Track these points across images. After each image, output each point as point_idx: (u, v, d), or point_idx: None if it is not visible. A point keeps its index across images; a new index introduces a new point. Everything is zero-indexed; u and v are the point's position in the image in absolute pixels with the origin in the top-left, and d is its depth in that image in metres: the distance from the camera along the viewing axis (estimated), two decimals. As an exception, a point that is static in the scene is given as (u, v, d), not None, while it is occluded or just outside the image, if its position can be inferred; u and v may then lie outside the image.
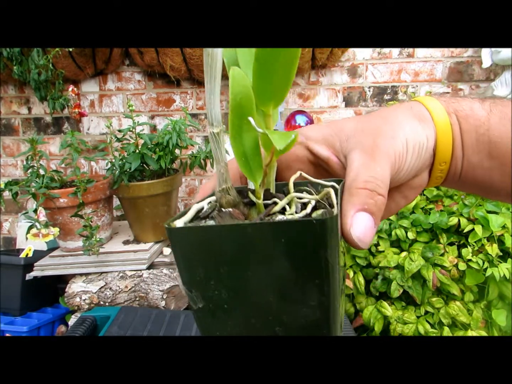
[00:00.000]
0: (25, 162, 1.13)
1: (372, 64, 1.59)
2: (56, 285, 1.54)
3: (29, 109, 1.71)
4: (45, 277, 1.22)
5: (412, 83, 1.59)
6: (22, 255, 1.46)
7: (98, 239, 1.16)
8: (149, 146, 1.18)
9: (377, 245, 1.29)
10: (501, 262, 1.13)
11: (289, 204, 0.25)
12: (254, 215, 0.26)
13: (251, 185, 0.28)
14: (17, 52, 1.31)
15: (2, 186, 1.11)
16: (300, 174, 0.28)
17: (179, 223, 0.23)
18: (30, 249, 1.47)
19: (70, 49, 1.39)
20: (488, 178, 0.29)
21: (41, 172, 1.14)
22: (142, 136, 1.17)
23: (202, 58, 0.23)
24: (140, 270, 1.19)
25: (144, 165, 1.20)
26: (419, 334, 1.15)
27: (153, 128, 1.63)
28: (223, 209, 0.25)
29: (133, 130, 1.17)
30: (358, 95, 1.62)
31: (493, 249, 1.13)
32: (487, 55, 1.44)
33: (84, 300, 1.15)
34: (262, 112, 0.26)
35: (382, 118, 0.29)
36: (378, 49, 1.57)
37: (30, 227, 1.13)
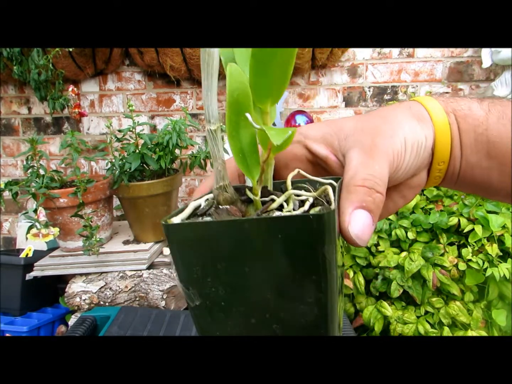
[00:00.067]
0: (25, 162, 1.13)
1: (372, 64, 1.59)
2: (56, 285, 1.54)
3: (29, 109, 1.71)
4: (45, 277, 1.22)
5: (412, 83, 1.59)
6: (22, 255, 1.46)
7: (98, 239, 1.16)
8: (149, 146, 1.18)
9: (377, 245, 1.29)
10: (501, 262, 1.13)
11: (286, 201, 0.25)
12: (252, 212, 0.26)
13: (249, 183, 0.28)
14: (17, 52, 1.31)
15: (2, 186, 1.11)
16: (298, 171, 0.28)
17: (176, 220, 0.23)
18: (30, 249, 1.47)
19: (70, 49, 1.39)
20: (486, 178, 0.29)
21: (41, 172, 1.14)
22: (142, 136, 1.17)
23: (202, 58, 0.23)
24: (140, 270, 1.19)
25: (144, 165, 1.20)
26: (419, 334, 1.15)
27: (153, 128, 1.63)
28: (220, 206, 0.25)
29: (133, 130, 1.17)
30: (358, 95, 1.62)
31: (493, 249, 1.13)
32: (487, 55, 1.44)
33: (84, 300, 1.15)
34: (260, 109, 0.26)
35: (381, 118, 0.29)
36: (378, 49, 1.57)
37: (30, 227, 1.13)
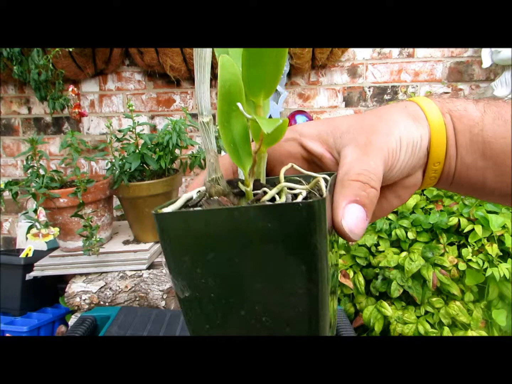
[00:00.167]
0: (25, 162, 1.13)
1: (372, 64, 1.59)
2: (56, 285, 1.54)
3: (29, 109, 1.71)
4: (45, 277, 1.22)
5: (412, 83, 1.59)
6: (22, 255, 1.46)
7: (98, 239, 1.16)
8: (149, 146, 1.18)
9: (377, 245, 1.29)
10: (501, 262, 1.14)
11: (279, 194, 0.25)
12: (243, 204, 0.25)
13: (242, 176, 0.28)
14: (17, 52, 1.31)
15: (2, 186, 1.11)
16: (292, 166, 0.27)
17: (167, 210, 0.23)
18: (30, 249, 1.47)
19: (70, 49, 1.39)
20: (481, 179, 0.29)
21: (41, 172, 1.15)
22: (142, 136, 1.18)
23: (202, 58, 0.23)
24: (140, 270, 1.19)
25: (144, 165, 1.20)
26: (419, 334, 1.15)
27: (153, 128, 1.63)
28: (211, 198, 0.25)
29: (133, 130, 1.17)
30: (358, 95, 1.62)
31: (493, 249, 1.13)
32: (487, 55, 1.44)
33: (84, 300, 1.15)
34: (253, 103, 0.26)
35: (377, 116, 0.29)
36: (378, 49, 1.57)
37: (30, 227, 1.13)
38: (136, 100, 1.67)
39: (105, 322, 1.02)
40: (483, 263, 1.14)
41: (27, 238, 1.15)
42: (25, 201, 1.70)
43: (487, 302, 1.19)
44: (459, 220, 1.21)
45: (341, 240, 1.31)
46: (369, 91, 1.61)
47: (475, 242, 1.18)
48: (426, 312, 1.20)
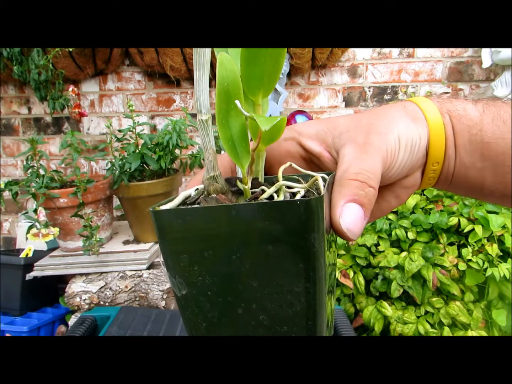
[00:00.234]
0: (25, 162, 1.13)
1: (372, 64, 1.59)
2: (56, 285, 1.54)
3: (29, 109, 1.71)
4: (45, 277, 1.22)
5: (412, 83, 1.59)
6: (22, 255, 1.46)
7: (98, 239, 1.16)
8: (149, 146, 1.18)
9: (377, 245, 1.29)
10: (501, 262, 1.14)
11: (277, 193, 0.25)
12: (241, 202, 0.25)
13: (240, 174, 0.28)
14: (17, 52, 1.31)
15: (2, 186, 1.11)
16: (290, 165, 0.27)
17: (164, 207, 0.23)
18: (30, 249, 1.47)
19: (70, 49, 1.39)
20: (480, 179, 0.29)
21: (41, 172, 1.15)
22: (142, 136, 1.18)
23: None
24: (140, 270, 1.19)
25: (144, 165, 1.20)
26: (419, 334, 1.15)
27: (153, 128, 1.63)
28: (209, 195, 0.25)
29: (133, 130, 1.17)
30: (358, 95, 1.62)
31: (493, 249, 1.13)
32: (487, 55, 1.44)
33: (84, 300, 1.15)
34: (252, 101, 0.26)
35: (376, 116, 0.29)
36: (378, 49, 1.57)
37: (30, 227, 1.13)
38: (136, 100, 1.67)
39: (105, 322, 1.02)
40: (483, 263, 1.14)
41: (27, 238, 1.15)
42: (25, 201, 1.70)
43: (487, 302, 1.19)
44: (459, 220, 1.21)
45: (340, 240, 1.31)
46: (369, 91, 1.61)
47: (475, 242, 1.18)
48: (426, 312, 1.20)
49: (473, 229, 1.17)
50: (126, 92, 1.67)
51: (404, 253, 1.22)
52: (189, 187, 0.27)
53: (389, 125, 0.28)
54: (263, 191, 0.25)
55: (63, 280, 1.44)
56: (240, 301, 0.22)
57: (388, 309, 1.20)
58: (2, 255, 1.43)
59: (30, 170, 1.13)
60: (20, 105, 1.71)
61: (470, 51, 1.54)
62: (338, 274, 1.25)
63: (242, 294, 0.22)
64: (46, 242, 1.18)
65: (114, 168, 1.18)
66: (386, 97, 1.61)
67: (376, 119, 0.28)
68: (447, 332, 1.16)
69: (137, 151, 1.17)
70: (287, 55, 1.45)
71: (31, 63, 1.30)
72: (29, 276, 1.22)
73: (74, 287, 1.17)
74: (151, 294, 1.14)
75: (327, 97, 1.63)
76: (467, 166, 0.29)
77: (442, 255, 1.20)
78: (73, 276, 1.21)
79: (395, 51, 1.57)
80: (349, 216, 0.24)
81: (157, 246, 1.27)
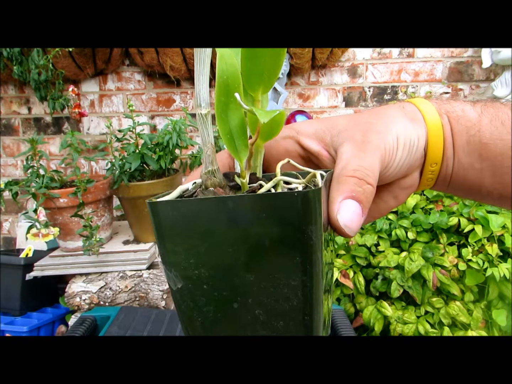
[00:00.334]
0: (25, 162, 1.13)
1: (372, 64, 1.59)
2: (56, 285, 1.54)
3: (29, 109, 1.71)
4: (45, 277, 1.22)
5: (412, 83, 1.59)
6: (22, 255, 1.46)
7: (98, 239, 1.16)
8: (149, 146, 1.18)
9: (377, 245, 1.29)
10: (501, 262, 1.14)
11: (275, 188, 0.25)
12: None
13: (238, 169, 0.27)
14: (17, 52, 1.31)
15: (2, 186, 1.11)
16: (289, 161, 0.27)
17: (161, 199, 0.23)
18: (30, 249, 1.47)
19: (70, 49, 1.39)
20: (479, 180, 0.29)
21: (41, 172, 1.15)
22: (142, 136, 1.18)
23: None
24: (140, 270, 1.19)
25: (144, 165, 1.20)
26: (419, 334, 1.15)
27: (153, 128, 1.63)
28: (207, 189, 0.25)
29: (133, 130, 1.17)
30: (358, 95, 1.62)
31: (493, 249, 1.13)
32: (487, 55, 1.44)
33: (84, 300, 1.15)
34: (251, 97, 0.26)
35: (374, 115, 0.29)
36: (378, 49, 1.57)
37: (30, 227, 1.13)
38: (136, 100, 1.67)
39: (105, 322, 1.02)
40: (483, 263, 1.14)
41: (27, 238, 1.15)
42: (25, 201, 1.70)
43: (487, 302, 1.19)
44: (459, 220, 1.21)
45: (340, 240, 1.31)
46: (369, 91, 1.61)
47: (475, 242, 1.18)
48: (426, 312, 1.20)
49: (473, 229, 1.17)
50: (126, 92, 1.67)
51: (404, 253, 1.22)
52: (188, 182, 0.27)
53: (388, 124, 0.28)
54: (260, 186, 0.25)
55: (63, 280, 1.44)
56: (236, 295, 0.22)
57: (388, 309, 1.20)
58: (2, 255, 1.43)
59: (30, 170, 1.13)
60: (20, 105, 1.71)
61: (470, 51, 1.54)
62: (338, 274, 1.25)
63: (238, 288, 0.22)
64: (46, 242, 1.18)
65: (114, 168, 1.18)
66: (386, 97, 1.61)
67: (374, 118, 0.28)
68: (447, 332, 1.16)
69: (137, 151, 1.17)
70: (287, 55, 1.45)
71: (31, 63, 1.30)
72: (29, 276, 1.22)
73: (74, 287, 1.17)
74: (151, 294, 1.14)
75: (327, 97, 1.63)
76: (466, 167, 0.29)
77: (442, 255, 1.20)
78: (73, 276, 1.21)
79: (395, 51, 1.57)
80: (347, 212, 0.24)
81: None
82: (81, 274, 1.20)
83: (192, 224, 0.21)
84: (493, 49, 1.40)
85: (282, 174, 0.26)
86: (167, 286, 1.15)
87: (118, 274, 1.18)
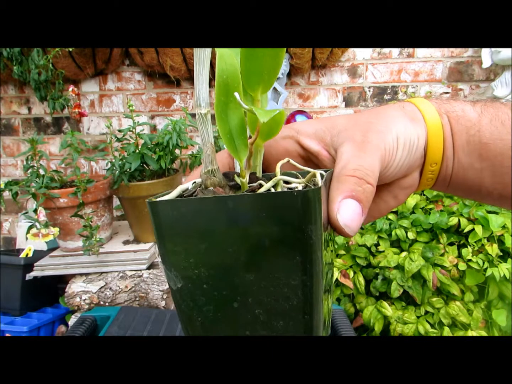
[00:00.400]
0: (25, 162, 1.13)
1: (372, 64, 1.59)
2: (56, 285, 1.54)
3: (29, 109, 1.71)
4: (45, 277, 1.22)
5: (412, 83, 1.59)
6: (22, 255, 1.46)
7: (98, 239, 1.16)
8: (149, 146, 1.18)
9: (377, 245, 1.29)
10: (501, 262, 1.14)
11: (274, 187, 0.25)
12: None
13: (238, 169, 0.27)
14: (17, 52, 1.31)
15: (2, 186, 1.11)
16: (288, 161, 0.27)
17: (161, 199, 0.23)
18: (30, 249, 1.47)
19: (70, 49, 1.39)
20: (478, 180, 0.29)
21: (41, 172, 1.15)
22: (142, 136, 1.18)
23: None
24: (140, 270, 1.19)
25: (144, 165, 1.20)
26: (419, 334, 1.15)
27: (153, 128, 1.63)
28: (207, 189, 0.25)
29: (133, 130, 1.17)
30: (358, 95, 1.62)
31: (493, 249, 1.13)
32: (487, 55, 1.44)
33: (84, 300, 1.15)
34: (251, 97, 0.26)
35: (374, 115, 0.29)
36: (378, 49, 1.57)
37: (30, 227, 1.13)
38: (136, 100, 1.67)
39: (105, 322, 1.02)
40: (483, 263, 1.14)
41: (27, 238, 1.15)
42: (25, 201, 1.70)
43: (487, 302, 1.19)
44: (459, 220, 1.21)
45: (340, 240, 1.31)
46: (369, 91, 1.61)
47: (475, 242, 1.18)
48: (426, 312, 1.20)
49: (473, 229, 1.17)
50: (126, 92, 1.67)
51: (404, 253, 1.22)
52: (188, 181, 0.27)
53: (388, 124, 0.28)
54: (260, 185, 0.25)
55: (63, 280, 1.44)
56: (236, 295, 0.22)
57: (388, 309, 1.20)
58: (2, 255, 1.43)
59: (30, 170, 1.13)
60: (20, 105, 1.71)
61: (470, 51, 1.54)
62: (338, 274, 1.25)
63: (238, 288, 0.22)
64: (46, 242, 1.18)
65: (114, 168, 1.18)
66: (386, 97, 1.61)
67: (374, 118, 0.28)
68: (447, 332, 1.16)
69: (137, 151, 1.17)
70: (287, 55, 1.45)
71: (31, 63, 1.30)
72: (29, 276, 1.22)
73: (74, 287, 1.17)
74: (151, 294, 1.14)
75: (327, 97, 1.63)
76: (465, 167, 0.29)
77: (442, 255, 1.20)
78: (73, 276, 1.21)
79: (395, 51, 1.57)
80: (347, 211, 0.24)
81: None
82: (81, 274, 1.20)
83: (192, 224, 0.21)
84: (493, 49, 1.40)
85: (282, 174, 0.26)
86: (167, 286, 1.15)
87: (118, 274, 1.18)
